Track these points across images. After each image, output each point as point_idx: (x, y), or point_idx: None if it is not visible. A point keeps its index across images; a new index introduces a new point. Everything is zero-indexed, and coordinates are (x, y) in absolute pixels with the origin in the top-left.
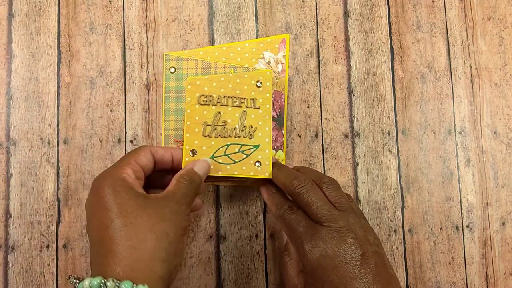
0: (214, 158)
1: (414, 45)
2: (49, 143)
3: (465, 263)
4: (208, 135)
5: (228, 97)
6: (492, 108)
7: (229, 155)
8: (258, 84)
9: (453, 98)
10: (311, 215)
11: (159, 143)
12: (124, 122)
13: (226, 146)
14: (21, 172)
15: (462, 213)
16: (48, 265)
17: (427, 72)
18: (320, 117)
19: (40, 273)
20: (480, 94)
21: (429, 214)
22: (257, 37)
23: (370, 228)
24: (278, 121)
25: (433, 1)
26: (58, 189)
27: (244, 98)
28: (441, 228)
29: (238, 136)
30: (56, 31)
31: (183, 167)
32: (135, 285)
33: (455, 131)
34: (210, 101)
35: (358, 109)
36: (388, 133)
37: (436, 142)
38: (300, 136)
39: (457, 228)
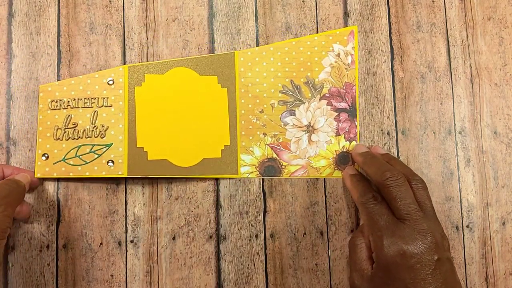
0: (65, 161)
1: (414, 45)
2: None
3: (465, 263)
4: (59, 138)
5: (79, 99)
6: (492, 108)
7: (80, 156)
8: (110, 82)
9: (453, 98)
10: (396, 209)
11: None
12: None
13: (77, 148)
14: None
15: (462, 213)
16: (48, 265)
17: (427, 72)
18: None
19: (40, 273)
20: (480, 94)
21: None
22: (257, 37)
23: (445, 233)
24: (351, 112)
25: (433, 1)
26: (58, 189)
27: (95, 98)
28: None
29: (89, 137)
30: (56, 31)
31: (35, 171)
32: None
33: (455, 131)
34: (60, 105)
35: (358, 109)
36: (388, 133)
37: (436, 142)
38: None
39: (457, 228)
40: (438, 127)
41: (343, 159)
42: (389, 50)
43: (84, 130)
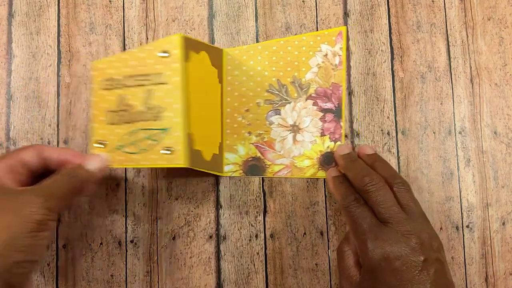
0: (121, 148)
1: (414, 45)
2: (49, 143)
3: (465, 263)
4: (112, 123)
5: (131, 76)
6: (492, 108)
7: (136, 143)
8: (165, 54)
9: (453, 98)
10: (378, 213)
11: None
12: None
13: (132, 133)
14: None
15: (462, 213)
16: (48, 265)
17: (427, 72)
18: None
19: (40, 273)
20: (480, 94)
21: (429, 214)
22: (257, 37)
23: (435, 234)
24: (336, 113)
25: (433, 1)
26: None
27: (149, 75)
28: (441, 228)
29: (144, 120)
30: (56, 31)
31: None
32: None
33: (455, 131)
34: (112, 84)
35: (358, 109)
36: (388, 133)
37: (436, 142)
38: None
39: (457, 228)
40: (438, 127)
41: (327, 159)
42: (389, 50)
43: (140, 112)
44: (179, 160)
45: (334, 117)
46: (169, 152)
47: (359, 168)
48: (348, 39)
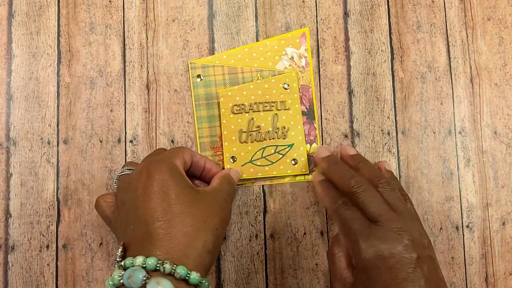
0: (253, 162)
1: (414, 45)
2: (49, 143)
3: (465, 263)
4: (244, 141)
5: (259, 103)
6: (492, 108)
7: (266, 157)
8: (286, 86)
9: (453, 98)
10: (368, 214)
11: (159, 143)
12: (124, 122)
13: (263, 149)
14: (21, 172)
15: (462, 213)
16: (48, 265)
17: (427, 72)
18: (320, 117)
19: (40, 273)
20: (480, 94)
21: (429, 214)
22: (256, 37)
23: (425, 231)
24: (309, 114)
25: (433, 1)
26: (58, 189)
27: (274, 102)
28: (441, 228)
29: (273, 138)
30: (56, 31)
31: None
32: (189, 271)
33: (455, 131)
34: (242, 109)
35: (358, 109)
36: (388, 133)
37: (436, 142)
38: None
39: (457, 228)
40: (438, 127)
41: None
42: (389, 50)
43: (268, 132)
44: (304, 168)
45: (307, 119)
46: (295, 163)
47: (343, 171)
48: (311, 42)
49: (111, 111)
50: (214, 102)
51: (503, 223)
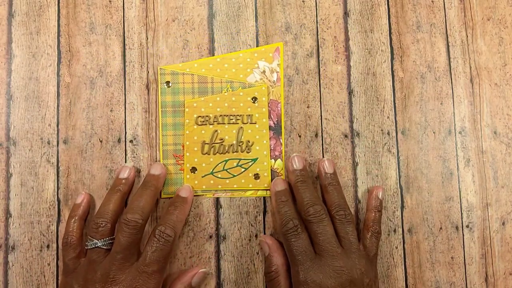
0: (214, 174)
1: (414, 45)
2: (49, 143)
3: (464, 263)
4: (206, 153)
5: (225, 115)
6: (492, 108)
7: (228, 170)
8: (253, 100)
9: (453, 98)
10: (315, 244)
11: (160, 143)
12: (124, 122)
13: (225, 162)
14: (21, 172)
15: (462, 213)
16: (49, 264)
17: (427, 72)
18: (320, 117)
19: (40, 273)
20: (480, 94)
21: (428, 214)
22: (256, 37)
23: (370, 269)
24: (276, 130)
25: (432, 1)
26: (58, 189)
27: (240, 115)
28: (440, 228)
29: (236, 152)
30: (56, 31)
31: (184, 183)
32: None
33: (455, 131)
34: (207, 121)
35: (358, 109)
36: (388, 133)
37: (436, 142)
38: (300, 136)
39: (456, 228)
40: (438, 127)
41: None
42: (389, 50)
43: (232, 145)
44: (267, 183)
45: (273, 134)
46: (258, 177)
47: (307, 196)
48: (284, 55)
49: (111, 111)
50: (181, 110)
51: (503, 223)
